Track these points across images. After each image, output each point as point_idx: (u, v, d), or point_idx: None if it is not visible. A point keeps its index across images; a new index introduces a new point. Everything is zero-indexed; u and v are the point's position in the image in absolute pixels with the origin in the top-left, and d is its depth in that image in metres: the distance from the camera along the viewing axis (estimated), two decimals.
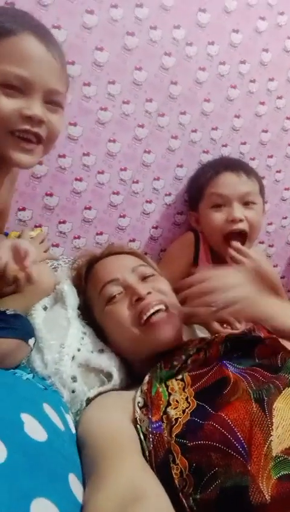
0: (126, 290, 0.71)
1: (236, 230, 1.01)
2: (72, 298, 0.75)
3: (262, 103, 1.15)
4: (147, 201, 1.10)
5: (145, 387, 0.62)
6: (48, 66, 0.65)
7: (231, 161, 1.09)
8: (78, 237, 1.05)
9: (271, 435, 0.51)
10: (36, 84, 0.63)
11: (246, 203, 1.03)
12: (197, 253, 1.08)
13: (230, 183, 1.02)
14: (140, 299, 0.69)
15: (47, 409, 0.56)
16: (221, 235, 1.03)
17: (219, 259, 1.08)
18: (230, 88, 1.11)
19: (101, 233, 1.07)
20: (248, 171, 1.05)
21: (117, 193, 1.06)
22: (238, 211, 1.01)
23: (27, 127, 0.64)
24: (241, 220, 1.01)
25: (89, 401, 0.65)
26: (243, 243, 1.01)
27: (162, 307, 0.69)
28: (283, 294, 0.87)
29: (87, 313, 0.77)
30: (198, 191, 1.07)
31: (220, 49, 1.07)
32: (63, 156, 0.98)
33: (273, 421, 0.52)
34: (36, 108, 0.64)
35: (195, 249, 1.08)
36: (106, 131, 1.02)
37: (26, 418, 0.50)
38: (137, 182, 1.08)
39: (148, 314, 0.68)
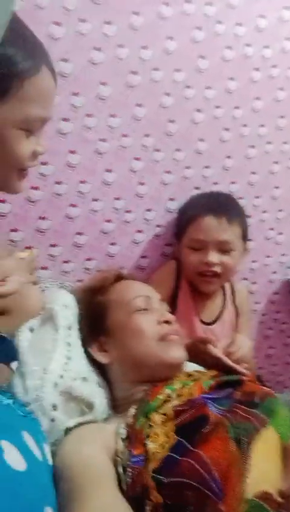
0: (156, 311, 0.78)
1: (209, 273, 1.05)
2: (62, 318, 0.76)
3: (252, 146, 1.21)
4: (137, 231, 1.13)
5: (130, 420, 0.63)
6: (54, 100, 0.65)
7: (218, 202, 1.08)
8: (67, 261, 1.06)
9: (246, 477, 0.52)
10: (47, 121, 0.64)
11: (223, 250, 1.04)
12: (179, 281, 1.11)
13: (209, 229, 1.03)
14: (168, 322, 0.76)
15: (26, 437, 0.56)
16: (195, 273, 1.06)
17: (198, 288, 1.11)
18: (223, 130, 1.16)
19: (90, 259, 1.08)
20: (231, 216, 1.05)
21: (109, 221, 1.09)
22: (213, 256, 1.03)
23: (35, 162, 0.65)
24: (215, 264, 1.03)
25: (67, 431, 0.64)
26: (216, 282, 1.07)
27: (181, 335, 0.77)
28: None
29: (93, 321, 0.78)
30: (182, 226, 1.09)
31: (216, 94, 1.13)
32: (59, 183, 1.00)
33: (250, 462, 0.53)
34: (43, 143, 0.65)
35: (176, 277, 1.11)
36: (103, 161, 1.05)
37: (5, 445, 0.49)
38: (130, 211, 1.10)
39: (173, 335, 0.74)
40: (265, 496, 0.51)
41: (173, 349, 0.74)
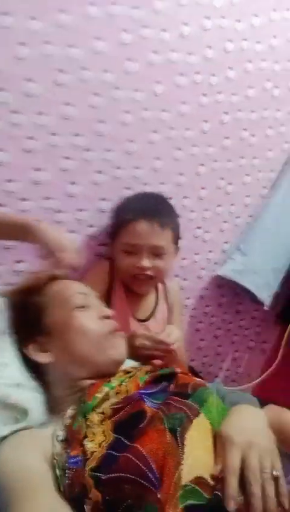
0: (95, 307, 0.78)
1: (142, 276, 1.07)
2: None
3: (179, 149, 1.26)
4: (69, 232, 1.11)
5: (67, 421, 0.62)
6: None
7: (151, 206, 1.09)
8: None
9: (182, 464, 0.55)
10: None
11: (156, 254, 1.06)
12: (113, 280, 1.12)
13: (142, 234, 1.03)
14: (108, 317, 0.77)
15: None
16: (128, 276, 1.09)
17: (132, 288, 1.13)
18: (151, 132, 1.19)
19: (20, 261, 1.05)
20: (164, 220, 1.06)
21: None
22: (146, 261, 1.05)
23: None
24: (148, 269, 1.06)
25: (2, 439, 0.62)
26: (149, 284, 1.10)
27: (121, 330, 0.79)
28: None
29: (29, 322, 0.76)
30: (115, 228, 1.10)
31: (144, 96, 1.15)
32: None
33: (184, 450, 0.56)
34: None
35: (110, 276, 1.12)
36: (32, 159, 1.02)
37: None
38: (61, 211, 1.09)
39: (116, 329, 0.77)
40: (199, 481, 0.54)
41: (117, 345, 0.76)
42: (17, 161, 1.00)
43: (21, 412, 0.67)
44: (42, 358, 0.73)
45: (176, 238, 1.13)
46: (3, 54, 0.94)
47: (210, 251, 1.41)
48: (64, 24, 1.00)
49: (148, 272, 1.06)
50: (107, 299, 1.10)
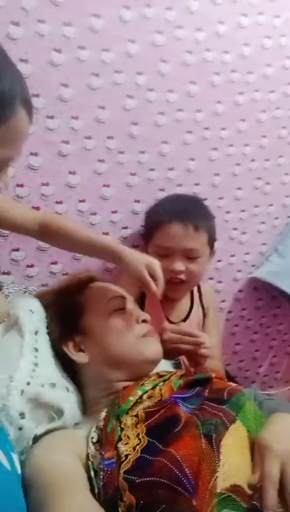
0: (132, 311, 0.79)
1: (175, 280, 1.05)
2: (28, 324, 0.74)
3: (214, 149, 1.24)
4: (103, 233, 1.12)
5: (101, 423, 0.62)
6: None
7: (185, 208, 1.07)
8: (32, 266, 1.04)
9: (217, 471, 0.53)
10: (15, 159, 0.59)
11: (190, 257, 1.04)
12: None
13: (176, 237, 1.02)
14: (144, 321, 0.78)
15: None
16: None
17: (165, 293, 1.11)
18: (186, 133, 1.18)
19: (55, 263, 1.07)
20: (198, 223, 1.03)
21: None
22: (179, 264, 1.03)
23: None
24: (181, 272, 1.04)
25: (36, 438, 0.63)
26: (182, 289, 1.08)
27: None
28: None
29: (67, 322, 0.77)
30: (148, 231, 1.10)
31: (178, 97, 1.15)
32: (21, 185, 0.98)
33: (220, 457, 0.54)
34: (6, 179, 0.61)
35: None
36: (67, 163, 1.04)
37: None
38: (95, 214, 1.10)
39: (151, 333, 0.77)
40: (235, 489, 0.52)
41: (153, 344, 0.76)
42: (52, 165, 1.02)
43: (56, 411, 0.68)
44: (79, 357, 0.74)
45: (211, 240, 1.10)
46: (39, 61, 0.96)
47: (247, 253, 1.38)
48: (98, 28, 1.01)
49: (181, 276, 1.04)
50: (141, 301, 1.09)
